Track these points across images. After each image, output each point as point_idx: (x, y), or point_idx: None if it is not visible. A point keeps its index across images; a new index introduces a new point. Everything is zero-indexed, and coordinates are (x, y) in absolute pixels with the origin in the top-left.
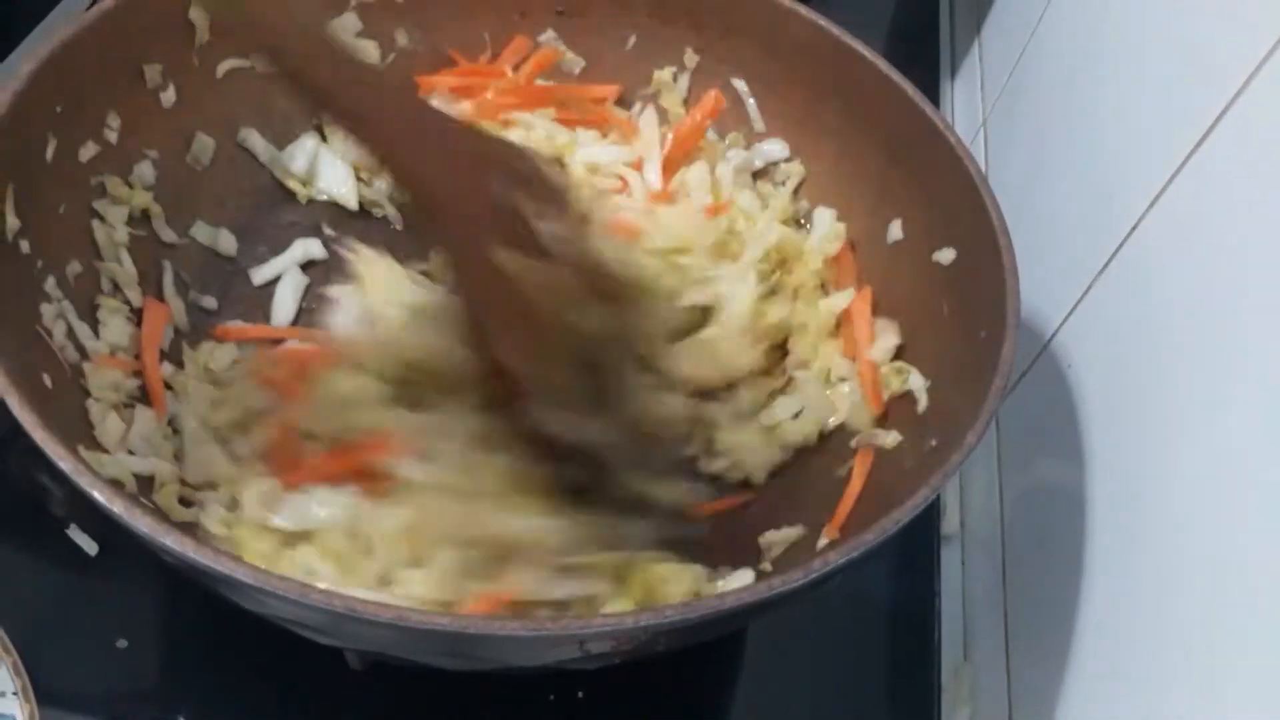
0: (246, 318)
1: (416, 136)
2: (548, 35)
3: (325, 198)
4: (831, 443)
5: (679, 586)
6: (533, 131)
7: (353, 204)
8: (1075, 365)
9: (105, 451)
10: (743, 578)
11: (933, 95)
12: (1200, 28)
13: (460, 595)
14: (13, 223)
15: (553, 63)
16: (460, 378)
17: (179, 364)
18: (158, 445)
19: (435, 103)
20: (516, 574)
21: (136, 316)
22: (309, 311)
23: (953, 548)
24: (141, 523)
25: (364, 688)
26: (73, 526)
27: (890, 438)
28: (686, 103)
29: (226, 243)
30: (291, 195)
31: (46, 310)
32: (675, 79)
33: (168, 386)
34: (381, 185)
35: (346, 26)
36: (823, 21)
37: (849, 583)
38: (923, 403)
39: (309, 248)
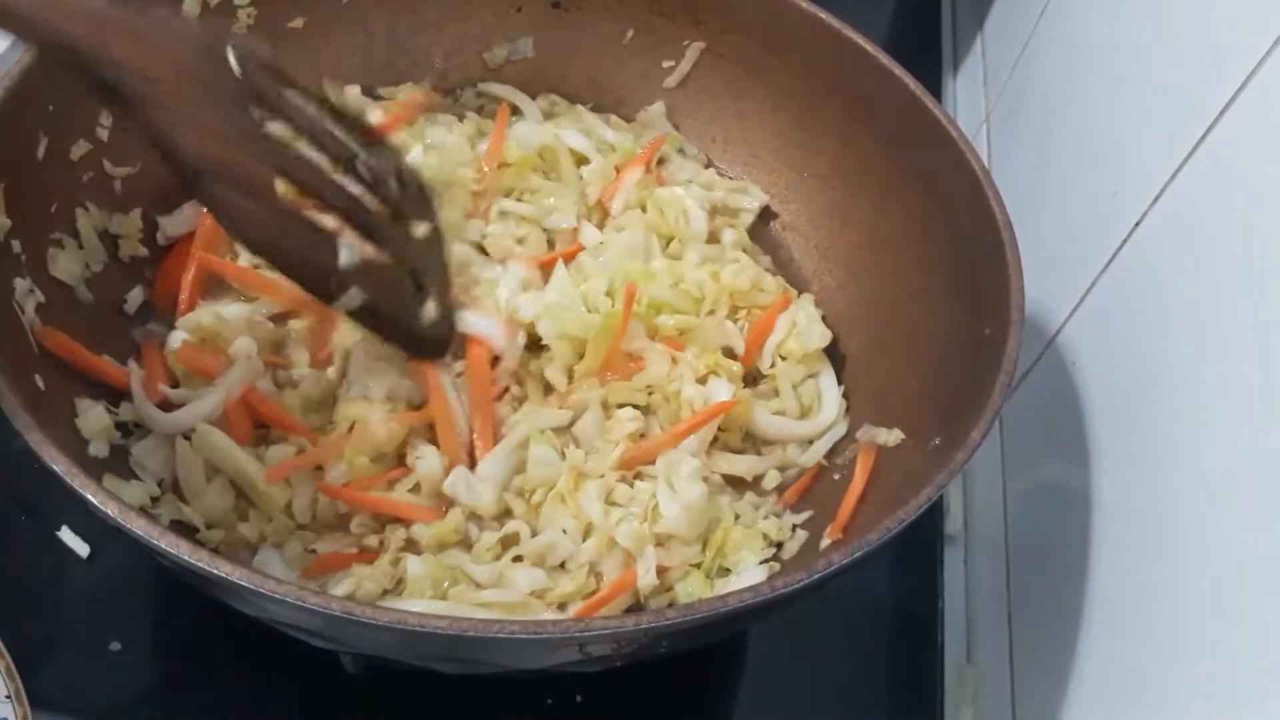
0: None
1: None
2: (544, 30)
3: None
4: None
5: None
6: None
7: None
8: (1080, 362)
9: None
10: (752, 577)
11: (935, 90)
12: (1203, 23)
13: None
14: (3, 222)
15: None
16: None
17: None
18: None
19: None
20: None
21: None
22: None
23: (956, 548)
24: (136, 526)
25: (359, 691)
26: (64, 528)
27: (893, 436)
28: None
29: None
30: None
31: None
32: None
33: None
34: None
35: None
36: (824, 16)
37: (851, 583)
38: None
39: None
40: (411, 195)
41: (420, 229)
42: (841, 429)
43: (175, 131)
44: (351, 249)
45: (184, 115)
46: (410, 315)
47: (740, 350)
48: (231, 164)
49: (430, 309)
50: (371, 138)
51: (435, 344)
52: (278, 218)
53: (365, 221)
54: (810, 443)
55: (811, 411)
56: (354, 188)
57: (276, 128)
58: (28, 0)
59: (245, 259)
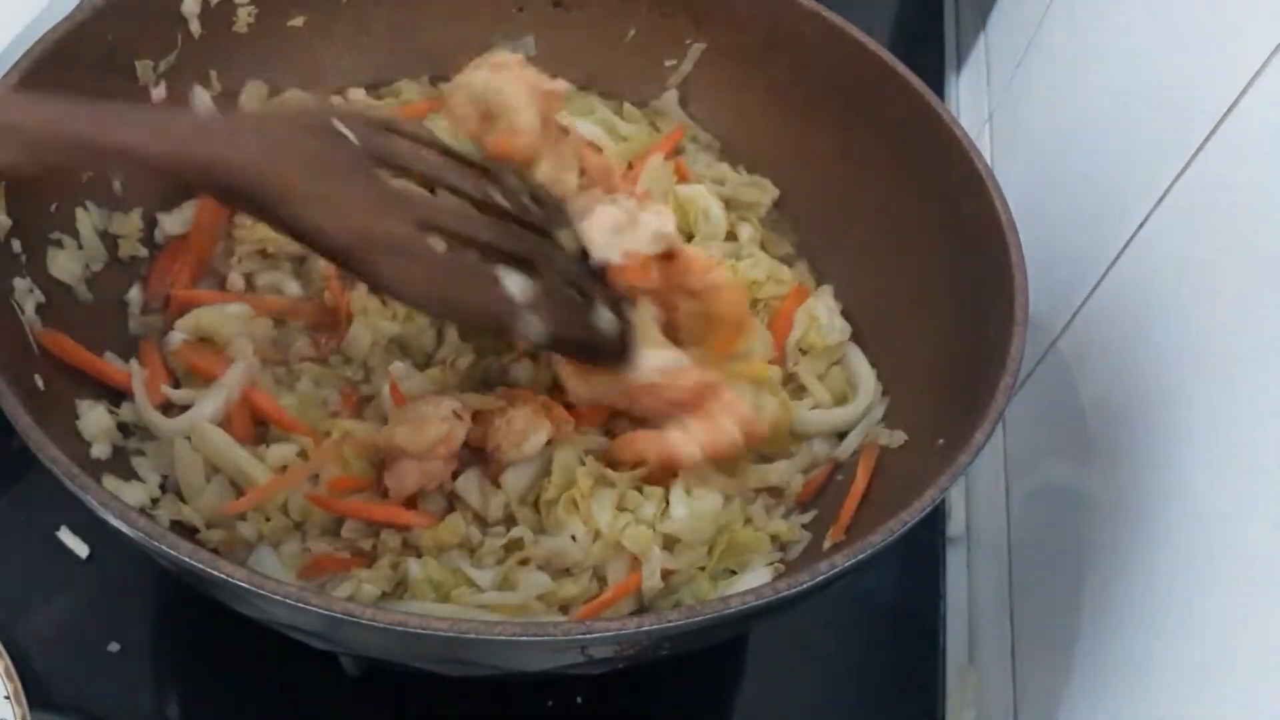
0: None
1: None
2: (545, 29)
3: None
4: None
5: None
6: None
7: None
8: (1083, 363)
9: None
10: (758, 578)
11: (938, 89)
12: (1206, 26)
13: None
14: (3, 221)
15: None
16: None
17: None
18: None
19: None
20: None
21: None
22: None
23: (958, 549)
24: (137, 527)
25: (359, 693)
26: (63, 529)
27: (895, 437)
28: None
29: None
30: None
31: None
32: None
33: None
34: None
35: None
36: (826, 14)
37: (853, 584)
38: None
39: None
40: (548, 208)
41: (567, 239)
42: (880, 410)
43: (317, 218)
44: (521, 280)
45: (319, 198)
46: (587, 326)
47: (774, 353)
48: (378, 231)
49: (602, 314)
50: (489, 169)
51: (617, 347)
52: (440, 271)
53: (520, 249)
54: (841, 437)
55: (846, 398)
56: (498, 220)
57: (406, 184)
58: (142, 140)
59: (236, 276)
